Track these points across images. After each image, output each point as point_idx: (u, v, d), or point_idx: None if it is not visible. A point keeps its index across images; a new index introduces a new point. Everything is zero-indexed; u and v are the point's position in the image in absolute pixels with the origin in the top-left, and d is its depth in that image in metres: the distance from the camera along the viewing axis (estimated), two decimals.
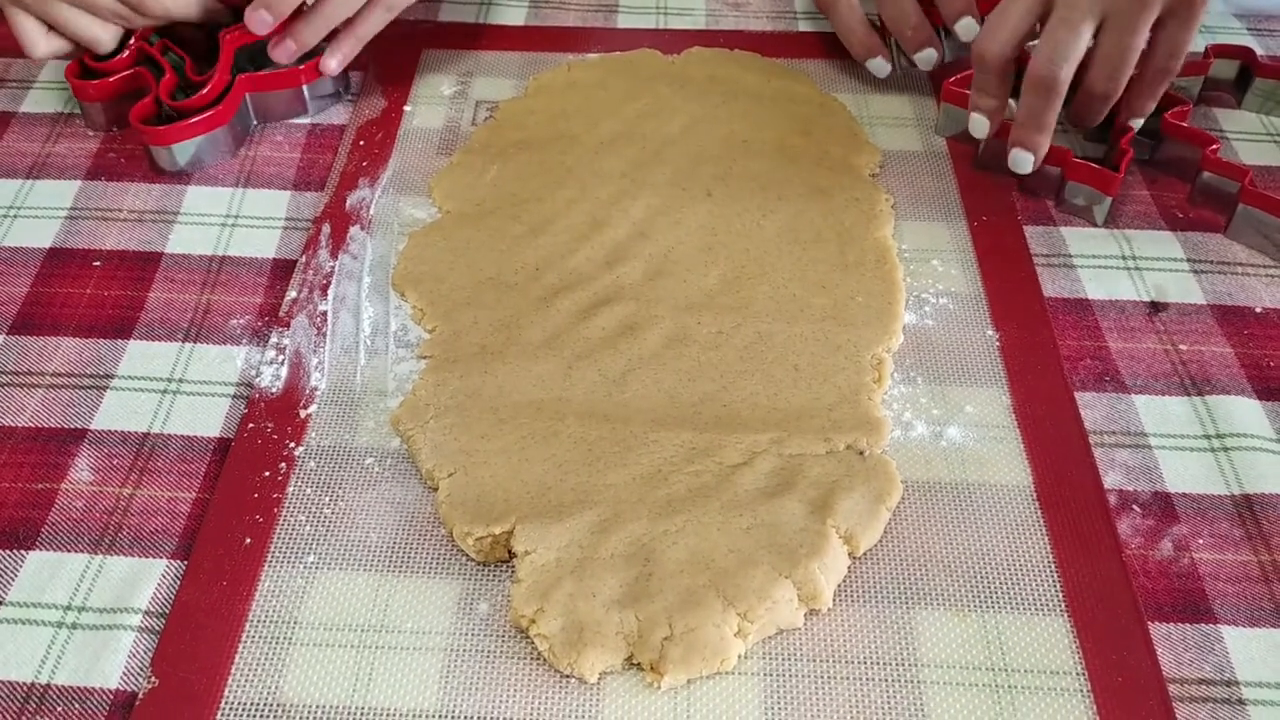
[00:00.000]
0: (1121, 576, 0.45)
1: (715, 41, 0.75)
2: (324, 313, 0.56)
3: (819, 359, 0.53)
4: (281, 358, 0.54)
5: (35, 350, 0.55)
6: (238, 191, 0.63)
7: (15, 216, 0.62)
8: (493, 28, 0.76)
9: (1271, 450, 0.50)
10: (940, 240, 0.61)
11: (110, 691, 0.42)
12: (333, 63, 0.66)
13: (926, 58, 0.68)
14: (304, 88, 0.67)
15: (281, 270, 0.59)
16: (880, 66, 0.70)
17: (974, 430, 0.51)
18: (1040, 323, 0.56)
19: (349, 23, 0.66)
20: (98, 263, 0.59)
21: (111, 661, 0.43)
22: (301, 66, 0.66)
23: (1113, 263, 0.60)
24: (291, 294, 0.57)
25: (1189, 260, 0.60)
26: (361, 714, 0.41)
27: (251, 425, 0.51)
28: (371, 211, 0.62)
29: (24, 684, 0.42)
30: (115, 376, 0.53)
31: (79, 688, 0.42)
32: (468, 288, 0.57)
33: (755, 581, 0.44)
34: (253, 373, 0.54)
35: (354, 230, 0.60)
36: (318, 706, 0.42)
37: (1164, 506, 0.48)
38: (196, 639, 0.43)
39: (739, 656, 0.43)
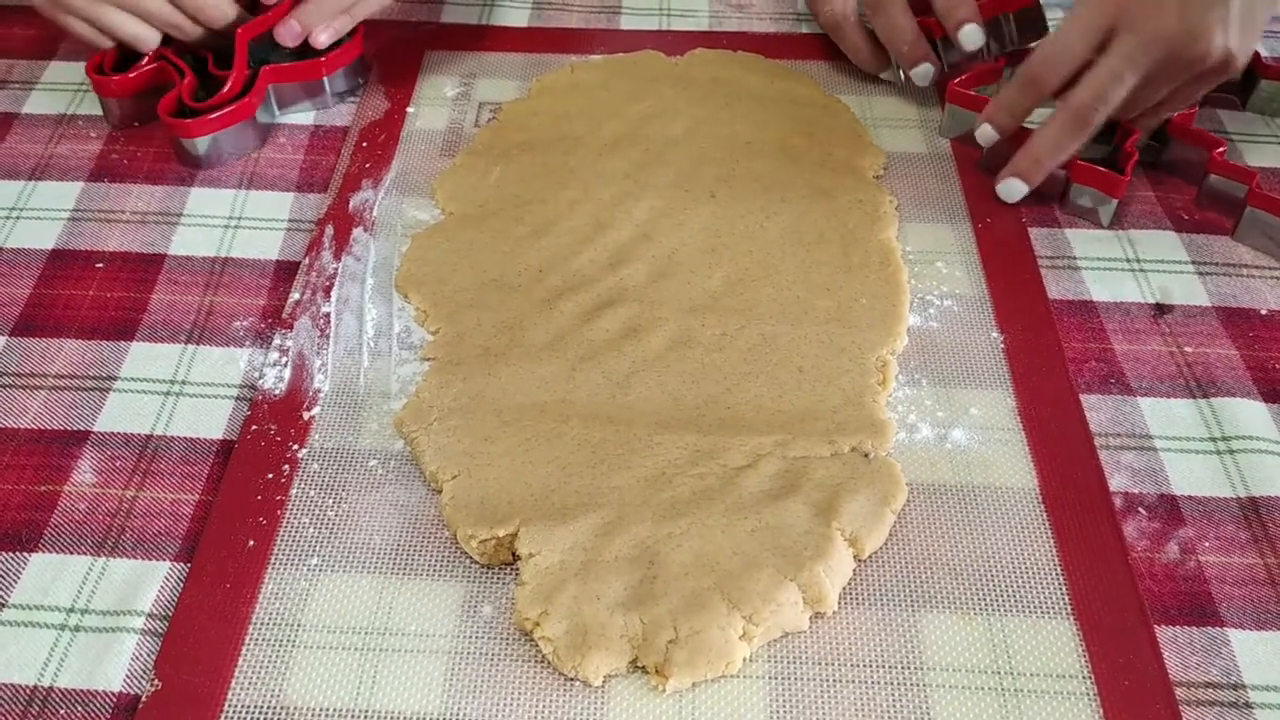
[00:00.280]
0: (1127, 579, 0.45)
1: (718, 43, 0.75)
2: (327, 314, 0.56)
3: (823, 361, 0.53)
4: (285, 359, 0.54)
5: (38, 352, 0.54)
6: (241, 193, 0.63)
7: (18, 218, 0.62)
8: (496, 29, 0.76)
9: (1277, 453, 0.50)
10: (944, 242, 0.61)
11: (113, 694, 0.42)
12: (323, 36, 0.67)
13: (923, 73, 0.68)
14: (324, 79, 0.68)
15: (285, 272, 0.59)
16: (893, 76, 0.71)
17: (979, 433, 0.51)
18: (1045, 325, 0.56)
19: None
20: (100, 264, 0.59)
21: (114, 664, 0.43)
22: (324, 58, 0.67)
23: (1118, 265, 0.59)
24: (295, 296, 0.57)
25: (1194, 262, 0.60)
26: (365, 717, 0.41)
27: (254, 427, 0.51)
28: (375, 213, 0.62)
29: (27, 687, 0.42)
30: (118, 378, 0.53)
31: (82, 690, 0.42)
32: (471, 289, 0.57)
33: (760, 584, 0.44)
34: (256, 375, 0.53)
35: (357, 232, 0.60)
36: (321, 709, 0.42)
37: (1170, 509, 0.48)
38: (200, 642, 0.43)
39: (744, 659, 0.43)
